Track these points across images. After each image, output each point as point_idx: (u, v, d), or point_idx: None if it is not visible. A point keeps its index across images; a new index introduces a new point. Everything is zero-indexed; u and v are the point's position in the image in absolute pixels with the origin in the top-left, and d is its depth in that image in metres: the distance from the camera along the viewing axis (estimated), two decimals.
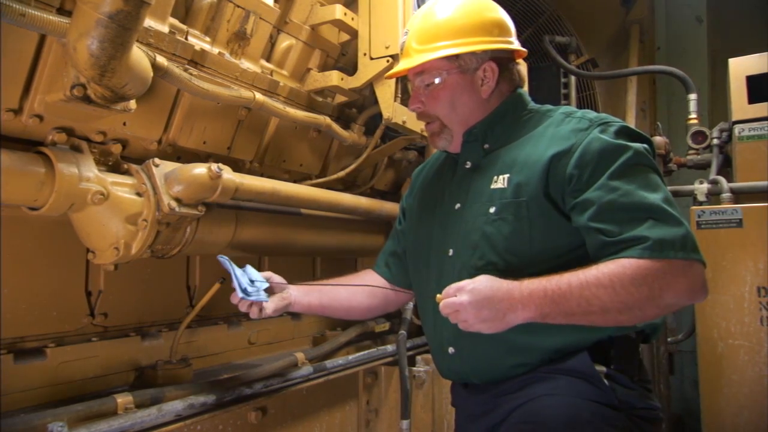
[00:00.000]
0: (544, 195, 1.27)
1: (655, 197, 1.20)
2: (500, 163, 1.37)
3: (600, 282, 1.13)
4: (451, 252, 1.40)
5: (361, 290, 1.63)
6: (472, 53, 1.36)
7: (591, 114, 1.33)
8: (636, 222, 1.17)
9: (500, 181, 1.33)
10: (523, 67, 1.50)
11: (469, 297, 1.17)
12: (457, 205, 1.43)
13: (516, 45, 1.43)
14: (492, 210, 1.32)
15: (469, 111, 1.41)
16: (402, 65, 1.42)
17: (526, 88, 1.54)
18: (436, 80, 1.39)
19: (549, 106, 1.44)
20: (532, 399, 1.26)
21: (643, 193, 1.20)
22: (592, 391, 1.24)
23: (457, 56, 1.36)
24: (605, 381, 1.25)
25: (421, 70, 1.39)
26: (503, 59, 1.42)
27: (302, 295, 1.59)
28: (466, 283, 1.20)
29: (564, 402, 1.22)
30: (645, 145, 1.28)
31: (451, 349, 1.39)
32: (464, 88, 1.39)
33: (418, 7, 2.12)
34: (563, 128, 1.31)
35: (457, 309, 1.19)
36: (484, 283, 1.19)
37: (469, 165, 1.45)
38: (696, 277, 1.17)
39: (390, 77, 1.53)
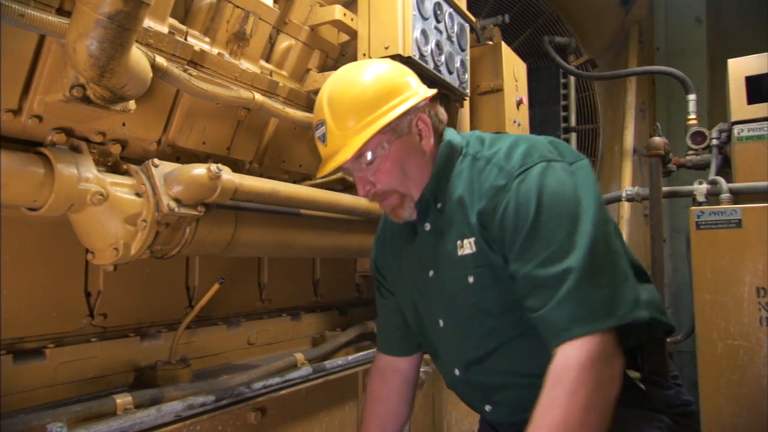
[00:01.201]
0: (492, 252, 1.24)
1: (568, 262, 1.10)
2: (457, 223, 1.31)
3: None
4: (441, 323, 1.37)
5: (395, 397, 1.57)
6: (402, 114, 1.28)
7: (513, 158, 1.24)
8: (547, 297, 1.11)
9: (467, 246, 1.28)
10: (441, 110, 1.41)
11: None
12: (431, 272, 1.38)
13: (428, 90, 1.36)
14: (471, 280, 1.27)
15: (419, 171, 1.34)
16: (340, 157, 1.27)
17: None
18: (378, 156, 1.30)
19: (475, 145, 1.35)
20: None
21: (556, 260, 1.12)
22: (633, 397, 1.24)
23: (389, 124, 1.27)
24: (642, 386, 1.26)
25: (359, 153, 1.28)
26: (424, 108, 1.35)
27: None
28: None
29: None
30: (571, 170, 1.20)
31: (488, 407, 1.37)
32: (408, 151, 1.32)
33: (417, 8, 2.13)
34: (485, 182, 1.25)
35: None
36: None
37: (428, 227, 1.38)
38: (611, 358, 1.09)
39: (327, 172, 1.33)
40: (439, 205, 1.35)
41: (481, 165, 1.29)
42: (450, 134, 1.39)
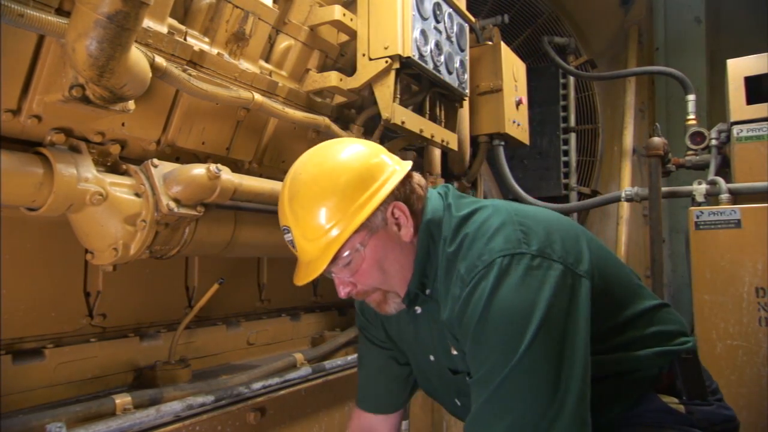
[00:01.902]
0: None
1: (496, 381, 1.03)
2: (443, 311, 1.20)
3: None
4: (458, 402, 1.35)
5: None
6: (375, 210, 1.17)
7: (470, 256, 1.13)
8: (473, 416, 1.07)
9: (456, 351, 1.23)
10: (417, 177, 1.28)
11: None
12: (431, 357, 1.33)
13: (402, 167, 1.24)
14: (469, 380, 1.16)
15: (399, 266, 1.23)
16: (314, 268, 1.17)
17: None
18: (354, 259, 1.19)
19: (452, 225, 1.21)
20: None
21: (488, 377, 1.04)
22: (673, 419, 1.22)
23: (362, 224, 1.16)
24: (682, 409, 1.23)
25: (333, 258, 1.17)
26: (400, 187, 1.22)
27: None
28: None
29: (648, 430, 1.21)
30: (533, 274, 1.07)
31: None
32: (385, 247, 1.21)
33: (417, 8, 2.13)
34: (453, 287, 1.16)
35: None
36: None
37: (419, 311, 1.31)
38: None
39: (304, 283, 1.23)
40: (428, 291, 1.26)
41: (451, 260, 1.18)
42: (430, 209, 1.25)
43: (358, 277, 1.22)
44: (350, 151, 1.22)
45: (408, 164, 1.26)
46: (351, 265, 1.20)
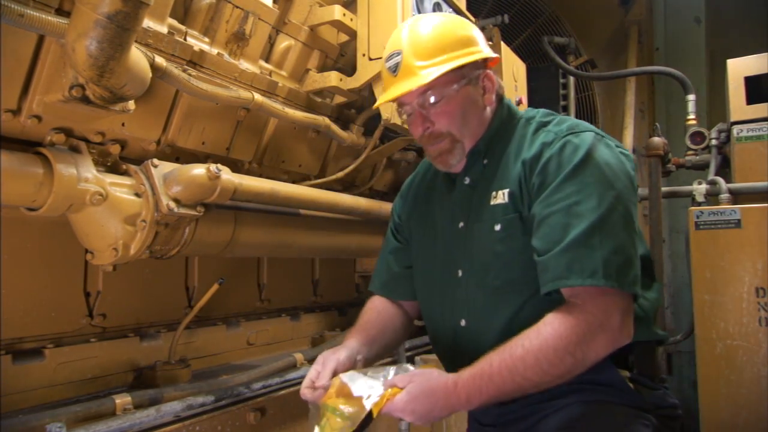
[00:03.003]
0: (523, 201, 1.28)
1: (585, 219, 1.16)
2: (498, 177, 1.35)
3: (526, 363, 1.13)
4: (460, 273, 1.38)
5: (398, 319, 1.57)
6: (473, 64, 1.34)
7: (564, 124, 1.32)
8: (555, 242, 1.17)
9: (500, 197, 1.32)
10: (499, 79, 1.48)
11: (404, 396, 1.14)
12: (461, 224, 1.40)
13: (493, 53, 1.43)
14: (497, 228, 1.30)
15: (477, 123, 1.38)
16: (410, 84, 1.30)
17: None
18: (446, 95, 1.33)
19: (531, 112, 1.43)
20: (565, 407, 1.25)
21: (575, 212, 1.17)
22: (621, 395, 1.26)
23: (461, 68, 1.32)
24: (631, 385, 1.27)
25: (429, 87, 1.32)
26: (491, 69, 1.41)
27: (369, 351, 1.49)
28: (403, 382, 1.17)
29: (599, 408, 1.23)
30: (615, 153, 1.26)
31: None
32: (471, 100, 1.36)
33: (417, 8, 2.13)
34: (536, 139, 1.32)
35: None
36: (419, 384, 1.16)
37: (468, 181, 1.42)
38: (613, 324, 1.14)
39: (395, 100, 1.37)
40: (485, 161, 1.40)
41: (535, 126, 1.35)
42: (509, 100, 1.46)
43: (439, 117, 1.35)
44: (462, 19, 1.45)
45: (498, 57, 1.45)
46: (438, 104, 1.34)
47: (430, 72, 1.29)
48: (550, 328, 1.14)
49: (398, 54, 1.34)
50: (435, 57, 1.30)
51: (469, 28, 1.39)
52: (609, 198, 1.18)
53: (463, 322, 1.37)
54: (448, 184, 1.47)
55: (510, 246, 1.28)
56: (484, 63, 1.38)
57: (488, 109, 1.40)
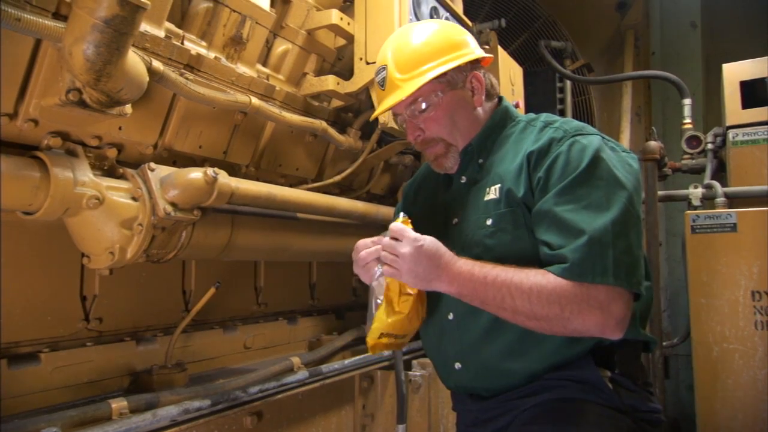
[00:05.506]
0: (524, 198, 1.30)
1: (599, 218, 1.19)
2: (493, 174, 1.39)
3: (521, 287, 1.19)
4: (450, 316, 1.40)
5: None
6: (457, 68, 1.39)
7: (571, 124, 1.35)
8: (570, 239, 1.19)
9: (492, 192, 1.35)
10: (494, 78, 1.51)
11: (411, 249, 1.23)
12: (455, 220, 1.44)
13: (484, 53, 1.46)
14: (489, 222, 1.33)
15: (468, 124, 1.43)
16: (394, 98, 1.38)
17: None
18: (431, 103, 1.39)
19: (532, 115, 1.46)
20: (540, 403, 1.28)
21: (589, 211, 1.21)
22: (598, 395, 1.27)
23: (444, 75, 1.37)
24: (609, 385, 1.28)
25: (414, 98, 1.39)
26: (480, 70, 1.45)
27: None
28: (415, 237, 1.24)
29: (571, 405, 1.26)
30: (621, 157, 1.30)
31: (457, 365, 1.40)
32: (459, 104, 1.41)
33: (414, 12, 2.13)
34: (544, 134, 1.34)
35: (395, 255, 1.24)
36: (430, 244, 1.24)
37: (464, 180, 1.46)
38: (612, 312, 1.17)
39: (382, 113, 1.46)
40: (480, 161, 1.44)
41: (539, 126, 1.38)
42: (508, 102, 1.51)
43: (429, 124, 1.41)
44: (450, 24, 1.51)
45: (491, 57, 1.48)
46: (426, 112, 1.40)
47: (413, 84, 1.35)
48: (557, 278, 1.17)
49: (384, 69, 1.41)
50: (415, 69, 1.36)
51: (453, 33, 1.43)
52: (622, 198, 1.22)
53: (450, 316, 1.39)
54: (447, 183, 1.52)
55: (500, 240, 1.31)
56: (472, 64, 1.42)
57: (480, 110, 1.44)
